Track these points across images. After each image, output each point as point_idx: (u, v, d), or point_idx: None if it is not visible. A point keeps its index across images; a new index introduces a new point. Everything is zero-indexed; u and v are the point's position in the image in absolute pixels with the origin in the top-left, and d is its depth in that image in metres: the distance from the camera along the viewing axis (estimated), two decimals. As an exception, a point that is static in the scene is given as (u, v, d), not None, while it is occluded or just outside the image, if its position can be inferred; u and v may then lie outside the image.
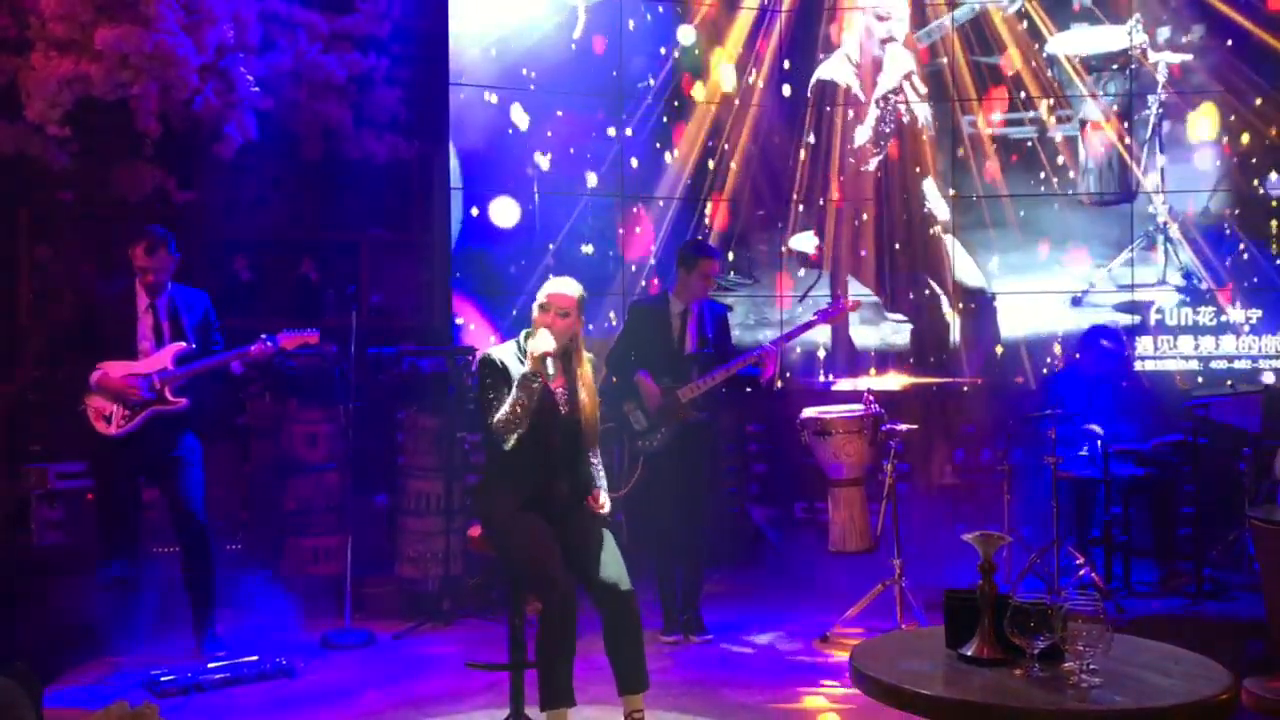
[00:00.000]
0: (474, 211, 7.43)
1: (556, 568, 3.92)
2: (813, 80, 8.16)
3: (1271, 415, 6.63)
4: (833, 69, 8.16)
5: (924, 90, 8.06)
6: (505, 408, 3.99)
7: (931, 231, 8.05)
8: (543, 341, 4.01)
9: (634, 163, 7.90)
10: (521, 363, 4.07)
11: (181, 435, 5.33)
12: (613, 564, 4.03)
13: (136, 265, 5.24)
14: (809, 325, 6.08)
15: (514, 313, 7.30)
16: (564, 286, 4.14)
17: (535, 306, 4.15)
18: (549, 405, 4.10)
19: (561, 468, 4.14)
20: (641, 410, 5.67)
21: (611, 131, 7.83)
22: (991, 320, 7.96)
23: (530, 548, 3.98)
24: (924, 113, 8.06)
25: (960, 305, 7.99)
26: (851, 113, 8.12)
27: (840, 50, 8.16)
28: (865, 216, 8.12)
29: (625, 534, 6.02)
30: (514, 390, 3.98)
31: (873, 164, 8.10)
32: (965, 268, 8.02)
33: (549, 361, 3.97)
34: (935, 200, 8.05)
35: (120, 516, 5.29)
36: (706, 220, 8.06)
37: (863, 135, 8.12)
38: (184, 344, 5.30)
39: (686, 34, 8.01)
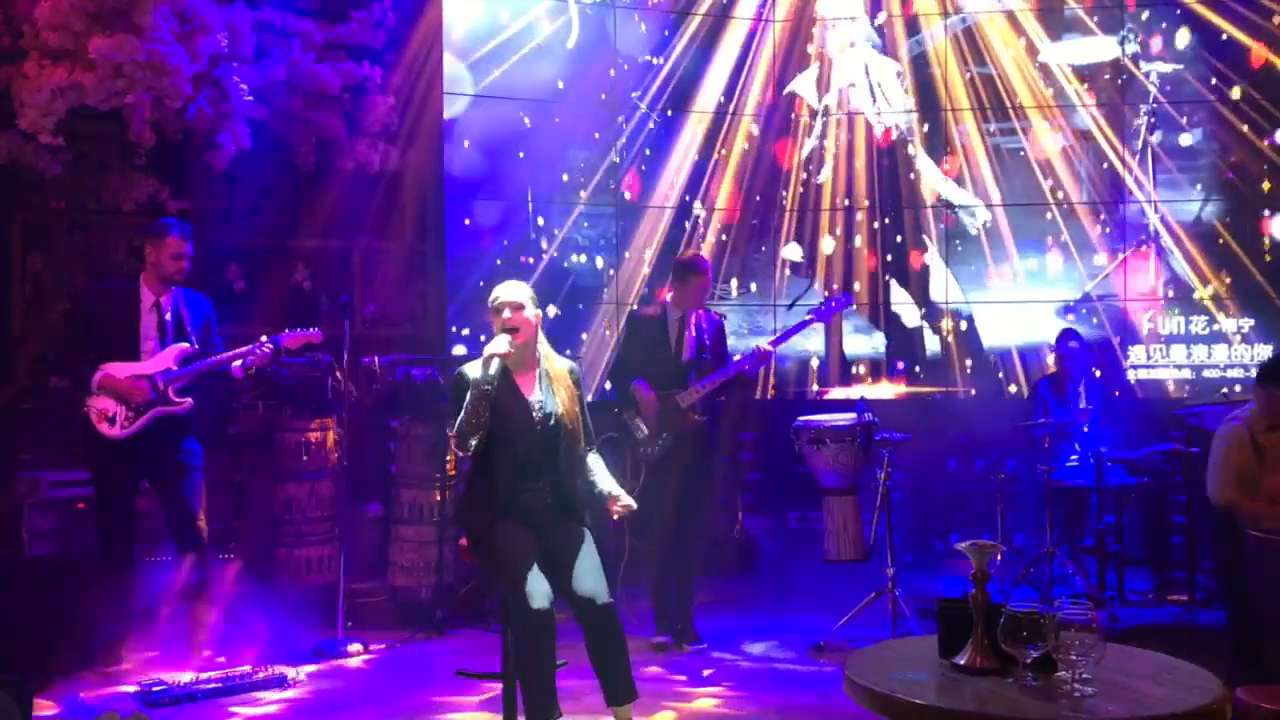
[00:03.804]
0: (466, 221, 7.45)
1: (530, 578, 3.90)
2: (785, 92, 8.19)
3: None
4: (800, 83, 8.20)
5: (877, 90, 8.10)
6: (461, 414, 4.01)
7: (922, 240, 8.07)
8: (495, 343, 4.03)
9: (627, 172, 7.92)
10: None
11: (184, 439, 5.30)
12: (591, 576, 4.01)
13: (172, 254, 5.21)
14: (804, 324, 6.00)
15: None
16: (509, 286, 4.17)
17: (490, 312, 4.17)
18: (520, 412, 4.10)
19: (540, 475, 4.12)
20: (641, 418, 5.67)
21: (605, 140, 7.84)
22: (983, 329, 7.98)
23: (505, 560, 3.97)
24: (908, 119, 8.09)
25: (951, 314, 8.00)
26: (820, 124, 8.17)
27: (814, 64, 8.20)
28: (857, 225, 8.14)
29: (627, 541, 6.01)
30: (469, 396, 4.00)
31: (823, 174, 8.13)
32: (957, 276, 8.03)
33: (493, 361, 3.99)
34: (926, 208, 8.07)
35: (119, 521, 5.26)
36: (700, 229, 8.08)
37: (808, 145, 8.17)
38: (187, 345, 5.27)
39: (680, 44, 8.03)
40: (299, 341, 5.41)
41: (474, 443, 4.02)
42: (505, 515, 4.06)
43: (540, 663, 3.87)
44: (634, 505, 4.18)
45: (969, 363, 7.98)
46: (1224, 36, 7.63)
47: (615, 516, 4.17)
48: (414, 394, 6.48)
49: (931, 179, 8.06)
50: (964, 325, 7.99)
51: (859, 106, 8.15)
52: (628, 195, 7.94)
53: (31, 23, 6.20)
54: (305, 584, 6.24)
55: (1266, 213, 7.60)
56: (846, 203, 8.15)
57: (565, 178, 7.74)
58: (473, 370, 4.06)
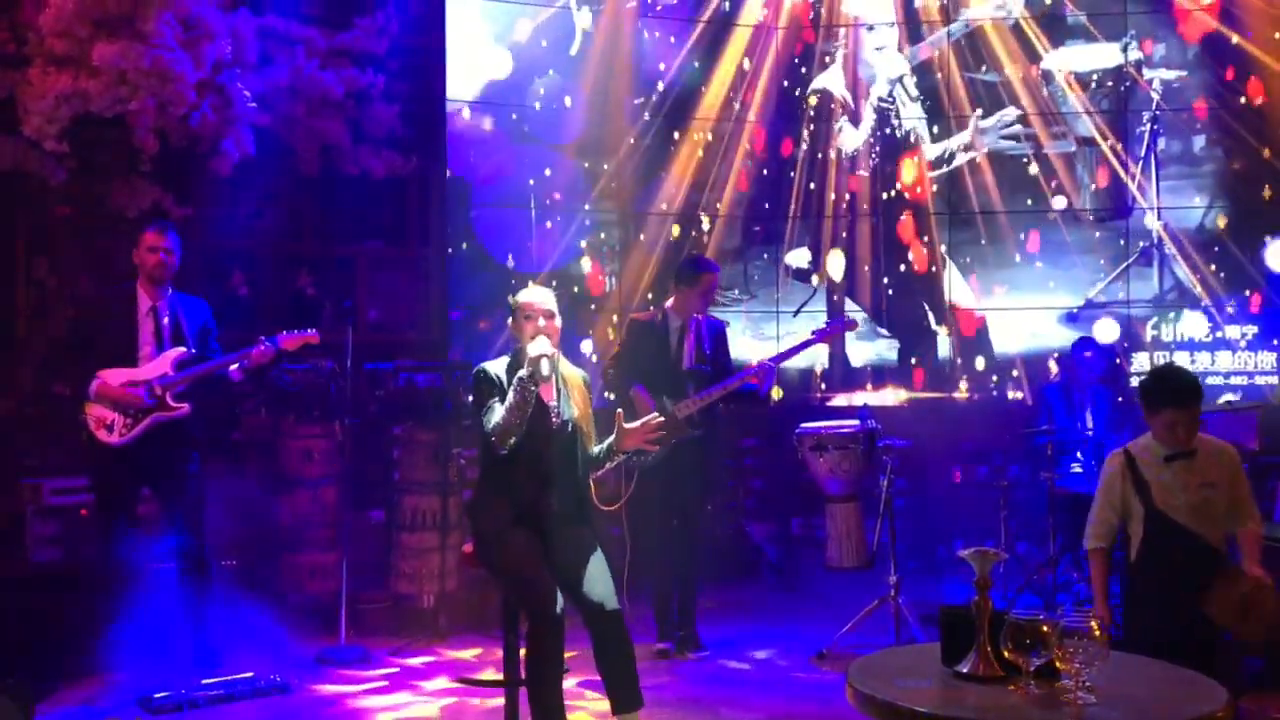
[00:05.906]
0: (469, 227, 7.45)
1: (544, 586, 3.90)
2: (809, 89, 8.19)
3: (1268, 432, 6.64)
4: (827, 79, 8.21)
5: (914, 94, 8.11)
6: (502, 412, 3.96)
7: (926, 247, 8.07)
8: (541, 344, 3.99)
9: (630, 178, 7.92)
10: (515, 375, 4.07)
11: (183, 447, 5.27)
12: (600, 582, 4.00)
13: (146, 247, 5.18)
14: (806, 344, 6.04)
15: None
16: (541, 292, 4.18)
17: (516, 316, 4.14)
18: (538, 416, 4.07)
19: (553, 481, 4.12)
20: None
21: (608, 146, 7.85)
22: (986, 337, 7.97)
23: (518, 565, 3.97)
24: (920, 125, 8.10)
25: (954, 322, 8.00)
26: (842, 124, 8.16)
27: (835, 63, 8.21)
28: (861, 231, 8.15)
29: (627, 549, 6.00)
30: (510, 394, 3.96)
31: (865, 169, 8.14)
32: (959, 285, 8.03)
33: (544, 363, 3.94)
34: (931, 215, 8.07)
35: (120, 528, 5.25)
36: (704, 236, 8.08)
37: (856, 140, 8.16)
38: (184, 349, 5.25)
39: (685, 50, 8.04)
40: (297, 342, 5.36)
41: (513, 440, 3.97)
42: (518, 520, 4.05)
43: (550, 669, 3.88)
44: (661, 417, 4.22)
45: (969, 371, 7.97)
46: (1227, 44, 7.64)
47: (649, 436, 4.12)
48: (417, 400, 6.47)
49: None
50: (965, 333, 7.98)
51: (878, 110, 8.17)
52: (630, 202, 7.94)
53: (36, 29, 6.22)
54: (307, 591, 6.23)
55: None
56: (848, 212, 8.16)
57: (568, 184, 7.74)
58: (496, 368, 4.06)
